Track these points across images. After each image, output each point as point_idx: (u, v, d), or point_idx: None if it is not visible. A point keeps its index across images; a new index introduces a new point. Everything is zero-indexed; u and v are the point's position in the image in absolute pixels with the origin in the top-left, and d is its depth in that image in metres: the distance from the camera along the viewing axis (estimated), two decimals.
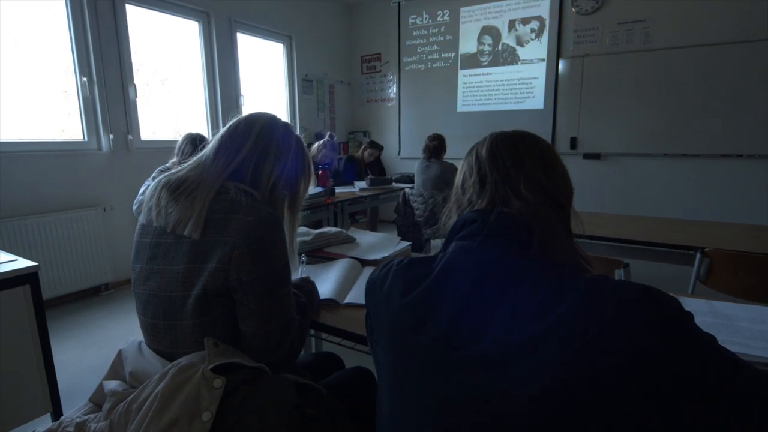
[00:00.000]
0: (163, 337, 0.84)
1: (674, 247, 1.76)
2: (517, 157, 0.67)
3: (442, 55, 5.38)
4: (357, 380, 1.13)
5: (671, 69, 4.12)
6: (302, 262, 1.39)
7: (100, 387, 0.86)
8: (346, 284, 1.27)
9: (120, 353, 0.89)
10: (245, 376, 0.77)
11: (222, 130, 0.96)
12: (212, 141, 0.95)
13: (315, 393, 0.90)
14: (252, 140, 0.93)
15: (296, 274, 1.29)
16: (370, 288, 0.70)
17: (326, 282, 1.28)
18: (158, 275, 0.85)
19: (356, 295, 1.21)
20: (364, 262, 1.48)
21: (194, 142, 2.56)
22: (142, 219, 0.91)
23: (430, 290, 0.60)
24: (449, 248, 0.65)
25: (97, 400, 0.87)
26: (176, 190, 0.86)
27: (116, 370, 0.87)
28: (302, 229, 1.66)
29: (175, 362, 0.76)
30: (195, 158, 0.94)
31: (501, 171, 0.67)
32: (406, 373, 0.59)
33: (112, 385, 0.82)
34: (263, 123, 0.97)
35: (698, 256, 1.69)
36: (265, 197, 0.94)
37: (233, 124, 0.96)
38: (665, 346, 0.47)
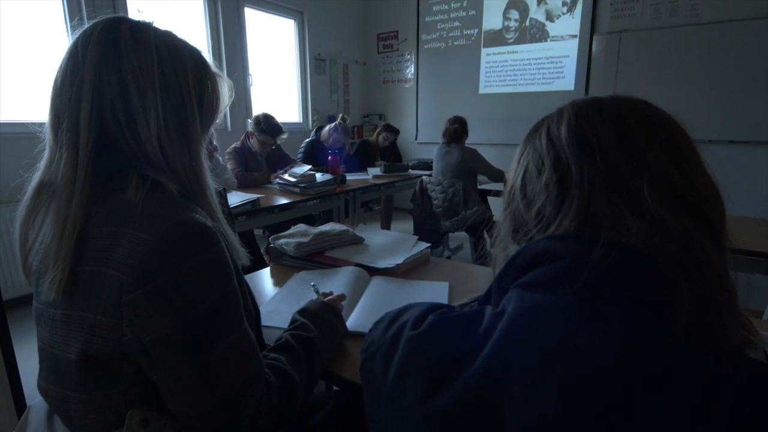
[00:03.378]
0: (57, 409, 0.59)
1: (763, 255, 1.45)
2: (630, 141, 0.39)
3: (464, 32, 4.99)
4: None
5: (721, 46, 3.68)
6: (315, 291, 1.01)
7: None
8: (348, 304, 1.01)
9: (28, 411, 0.64)
10: None
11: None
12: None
13: None
14: (88, 84, 0.56)
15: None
16: (367, 360, 0.43)
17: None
18: (44, 319, 0.59)
19: (360, 319, 0.95)
20: (373, 271, 1.21)
21: None
22: None
23: (478, 392, 0.33)
24: (506, 302, 0.37)
25: None
26: (35, 198, 0.59)
27: None
28: (300, 227, 1.40)
29: None
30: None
31: (600, 165, 0.39)
32: None
33: None
34: (96, 44, 0.57)
35: None
36: (184, 174, 0.63)
37: (58, 71, 0.59)
38: None
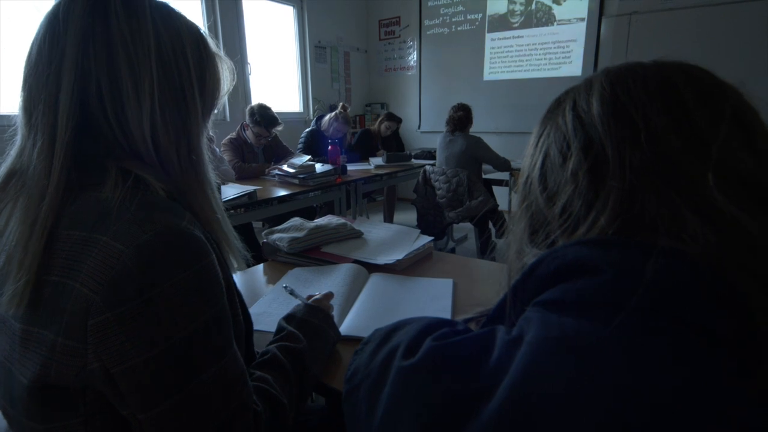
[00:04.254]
0: None
1: None
2: (686, 118, 0.31)
3: (468, 17, 4.85)
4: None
5: (738, 27, 3.54)
6: (290, 292, 0.90)
7: None
8: (344, 304, 0.93)
9: None
10: None
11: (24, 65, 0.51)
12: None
13: None
14: (71, 60, 0.48)
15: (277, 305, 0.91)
16: (351, 393, 0.35)
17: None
18: (5, 328, 0.51)
19: (356, 322, 0.87)
20: (372, 267, 1.14)
21: None
22: None
23: None
24: (524, 325, 0.30)
25: None
26: (1, 191, 0.50)
27: None
28: (295, 220, 1.32)
29: None
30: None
31: (646, 148, 0.30)
32: None
33: None
34: (82, 11, 0.48)
35: None
36: (180, 169, 0.55)
37: (33, 42, 0.50)
38: None
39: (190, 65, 0.54)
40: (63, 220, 0.48)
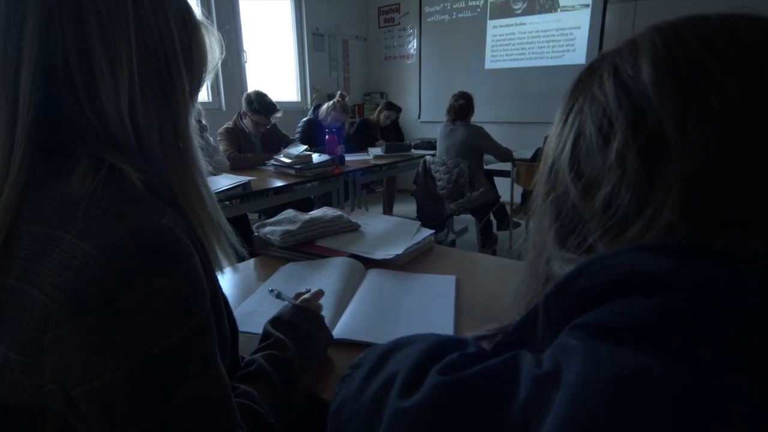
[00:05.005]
0: None
1: None
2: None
3: (469, 4, 4.73)
4: None
5: (751, 12, 3.44)
6: (276, 295, 0.83)
7: None
8: (338, 304, 0.87)
9: None
10: None
11: None
12: None
13: None
14: (33, 29, 0.40)
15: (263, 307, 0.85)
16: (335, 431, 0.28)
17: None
18: None
19: (351, 324, 0.80)
20: (369, 262, 1.07)
21: None
22: None
23: None
24: (560, 355, 0.22)
25: None
26: None
27: None
28: (288, 212, 1.25)
29: None
30: None
31: (719, 122, 0.23)
32: None
33: None
34: None
35: None
36: (163, 157, 0.48)
37: None
38: None
39: (173, 34, 0.47)
40: (23, 212, 0.41)
